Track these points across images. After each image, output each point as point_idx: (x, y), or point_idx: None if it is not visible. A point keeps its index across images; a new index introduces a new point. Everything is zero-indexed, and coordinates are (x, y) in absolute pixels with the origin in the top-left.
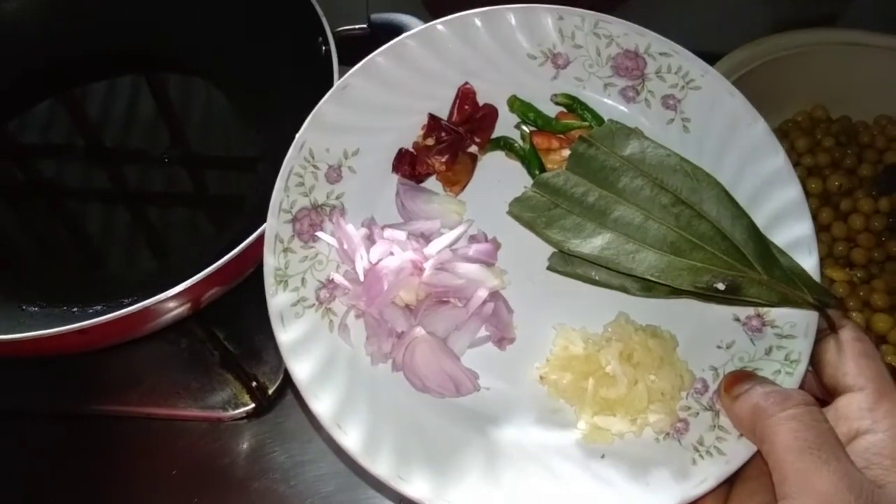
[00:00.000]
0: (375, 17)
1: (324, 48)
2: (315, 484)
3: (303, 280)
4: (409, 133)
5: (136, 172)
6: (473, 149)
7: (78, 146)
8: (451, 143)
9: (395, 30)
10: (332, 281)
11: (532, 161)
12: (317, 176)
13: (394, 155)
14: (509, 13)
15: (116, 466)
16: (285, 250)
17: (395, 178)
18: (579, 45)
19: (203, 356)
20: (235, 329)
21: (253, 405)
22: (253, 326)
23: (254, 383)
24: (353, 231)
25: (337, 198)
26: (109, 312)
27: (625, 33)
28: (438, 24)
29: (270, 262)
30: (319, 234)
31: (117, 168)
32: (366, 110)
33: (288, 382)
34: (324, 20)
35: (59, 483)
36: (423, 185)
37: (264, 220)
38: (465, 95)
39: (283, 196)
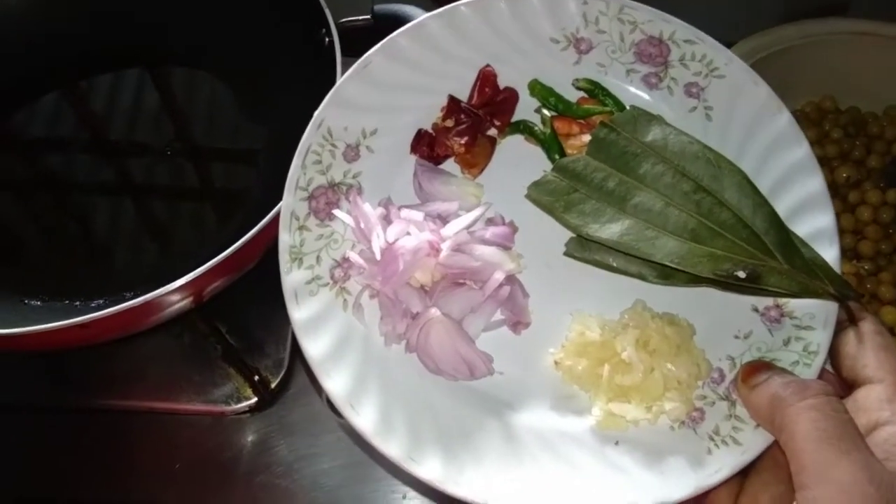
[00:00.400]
0: (379, 7)
1: (327, 39)
2: (318, 478)
3: (318, 258)
4: (429, 114)
5: (139, 165)
6: (493, 132)
7: (82, 139)
8: (470, 126)
9: (399, 21)
10: (347, 259)
11: (552, 145)
12: (334, 154)
13: (412, 136)
14: None
15: (119, 460)
16: (301, 228)
17: (413, 158)
18: (603, 31)
19: (206, 350)
20: (238, 323)
21: (255, 399)
22: (255, 320)
23: (256, 377)
24: (370, 210)
25: (354, 177)
26: (111, 306)
27: (649, 19)
28: (462, 5)
29: (286, 239)
30: (336, 212)
31: (120, 161)
32: (386, 89)
33: (290, 377)
34: (327, 11)
35: (61, 477)
36: (441, 166)
37: (267, 213)
38: (486, 78)
39: (300, 173)
